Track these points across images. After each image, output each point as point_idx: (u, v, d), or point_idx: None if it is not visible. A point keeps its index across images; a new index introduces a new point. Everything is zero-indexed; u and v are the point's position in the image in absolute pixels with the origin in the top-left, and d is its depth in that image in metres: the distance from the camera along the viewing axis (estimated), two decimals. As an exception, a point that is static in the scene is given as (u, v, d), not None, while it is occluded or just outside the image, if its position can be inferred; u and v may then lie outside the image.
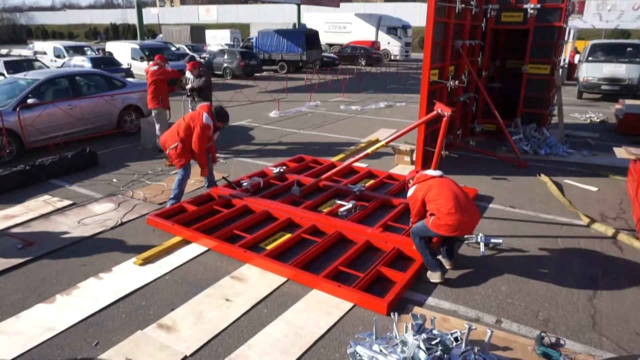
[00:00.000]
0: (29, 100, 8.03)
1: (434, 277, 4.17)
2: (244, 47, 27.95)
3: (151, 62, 8.41)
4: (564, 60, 19.35)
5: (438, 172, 4.25)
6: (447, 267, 4.39)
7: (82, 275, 4.31)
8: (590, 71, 14.64)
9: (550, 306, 3.87)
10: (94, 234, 5.16)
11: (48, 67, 16.35)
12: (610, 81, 14.34)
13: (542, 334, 3.32)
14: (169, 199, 5.78)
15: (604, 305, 3.87)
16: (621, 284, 4.19)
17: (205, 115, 5.51)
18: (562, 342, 3.38)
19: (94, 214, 5.69)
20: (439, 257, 4.47)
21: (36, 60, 15.99)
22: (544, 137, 8.52)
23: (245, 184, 6.18)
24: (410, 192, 4.27)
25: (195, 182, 6.65)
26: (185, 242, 4.94)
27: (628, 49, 14.99)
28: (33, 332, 3.50)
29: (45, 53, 20.41)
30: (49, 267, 4.48)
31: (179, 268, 4.46)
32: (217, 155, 7.95)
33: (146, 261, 4.54)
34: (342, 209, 5.45)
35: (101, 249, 4.82)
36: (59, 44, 21.36)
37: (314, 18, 35.90)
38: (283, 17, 47.17)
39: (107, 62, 16.13)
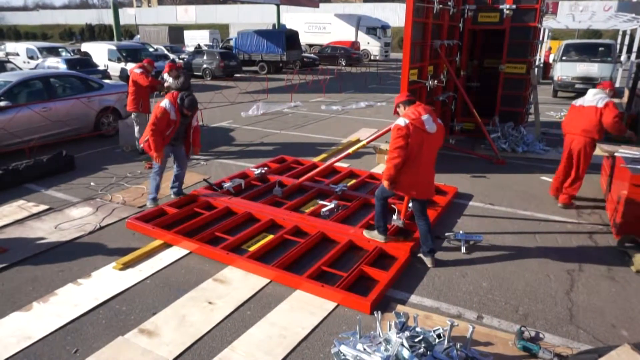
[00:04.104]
0: (1, 103, 7.81)
1: (378, 237, 4.70)
2: (224, 47, 27.74)
3: (136, 64, 8.26)
4: (539, 59, 19.79)
5: (434, 128, 4.21)
6: (429, 265, 4.44)
7: (60, 282, 4.21)
8: (565, 70, 15.02)
9: (530, 301, 3.95)
10: (71, 239, 5.04)
11: (21, 68, 15.91)
12: (584, 80, 14.72)
13: (522, 329, 3.38)
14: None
15: (580, 299, 3.97)
16: (596, 278, 4.30)
17: (165, 99, 5.47)
18: (541, 335, 3.45)
19: (71, 218, 5.57)
20: (420, 255, 4.52)
21: (8, 61, 15.55)
22: (521, 135, 8.69)
23: (226, 185, 6.13)
24: (401, 122, 4.13)
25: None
26: (167, 245, 4.87)
27: (600, 49, 15.43)
28: (9, 341, 3.41)
29: (17, 54, 19.85)
30: (24, 273, 4.36)
31: (160, 272, 4.40)
32: (199, 157, 7.91)
33: (126, 265, 4.46)
34: (324, 209, 5.45)
35: (79, 254, 4.72)
36: (32, 44, 20.80)
37: (294, 18, 35.89)
38: (262, 17, 46.98)
39: (83, 63, 15.77)
